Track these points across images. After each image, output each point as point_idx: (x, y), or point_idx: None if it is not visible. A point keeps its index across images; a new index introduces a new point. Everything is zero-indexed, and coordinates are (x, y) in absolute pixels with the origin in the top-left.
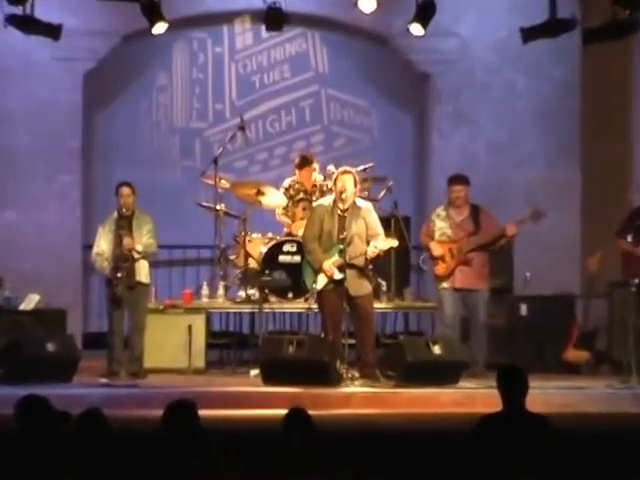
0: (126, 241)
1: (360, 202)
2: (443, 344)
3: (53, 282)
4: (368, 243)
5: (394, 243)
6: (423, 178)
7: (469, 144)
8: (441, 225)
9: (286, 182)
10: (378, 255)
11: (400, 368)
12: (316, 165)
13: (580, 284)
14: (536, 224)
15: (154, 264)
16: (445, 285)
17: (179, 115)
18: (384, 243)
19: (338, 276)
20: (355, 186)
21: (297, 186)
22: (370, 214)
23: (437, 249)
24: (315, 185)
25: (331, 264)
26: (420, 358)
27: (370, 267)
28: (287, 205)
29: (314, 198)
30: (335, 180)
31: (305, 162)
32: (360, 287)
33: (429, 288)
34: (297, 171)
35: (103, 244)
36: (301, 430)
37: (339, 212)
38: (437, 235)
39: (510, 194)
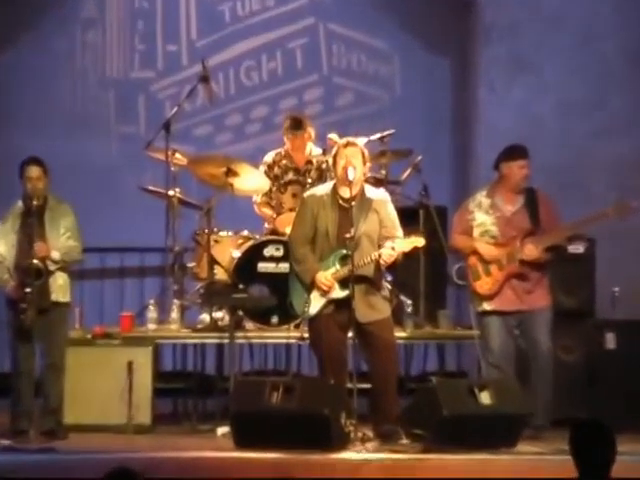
0: (38, 246)
1: (371, 190)
2: (494, 390)
3: None
4: (380, 248)
5: (420, 242)
6: (466, 151)
7: (531, 102)
8: (483, 219)
9: (269, 156)
10: (395, 261)
11: (433, 425)
12: (312, 131)
13: None
14: (623, 220)
15: (78, 276)
16: (489, 307)
17: (115, 61)
18: (405, 243)
19: (340, 293)
20: (364, 164)
21: (285, 162)
22: (386, 207)
23: (489, 249)
24: (310, 161)
25: (329, 276)
26: (461, 411)
27: (388, 279)
28: (270, 190)
29: (309, 180)
30: (335, 156)
31: (297, 126)
32: (372, 309)
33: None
34: (285, 140)
35: (2, 248)
36: None
37: (341, 202)
38: (477, 233)
39: (589, 173)
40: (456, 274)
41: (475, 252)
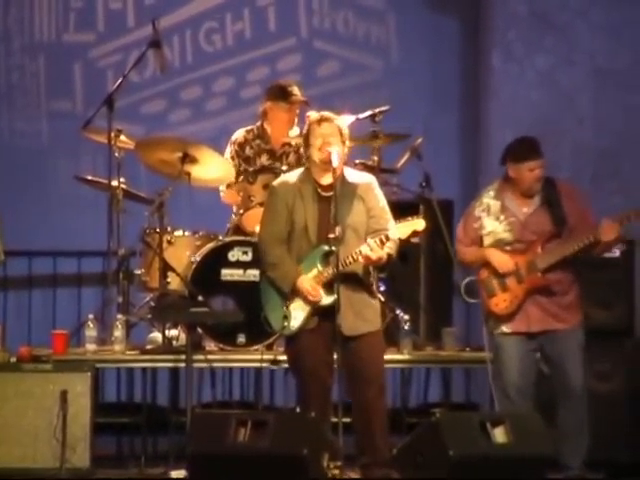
0: None
1: (354, 174)
2: (512, 426)
3: None
4: None
5: (419, 225)
6: (477, 133)
7: (559, 72)
8: (494, 226)
9: (239, 133)
10: (387, 261)
11: (436, 468)
12: (298, 99)
13: None
14: None
15: None
16: (508, 329)
17: (44, 21)
18: (402, 227)
19: (326, 300)
20: (344, 144)
21: (258, 142)
22: (373, 193)
23: (504, 261)
24: (288, 143)
25: (313, 280)
26: (471, 451)
27: (381, 289)
28: (237, 179)
29: (283, 167)
30: (308, 136)
31: (281, 96)
32: (360, 319)
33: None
34: (272, 112)
35: None
36: None
37: (320, 191)
38: (487, 244)
39: (631, 159)
40: (465, 290)
41: (487, 264)
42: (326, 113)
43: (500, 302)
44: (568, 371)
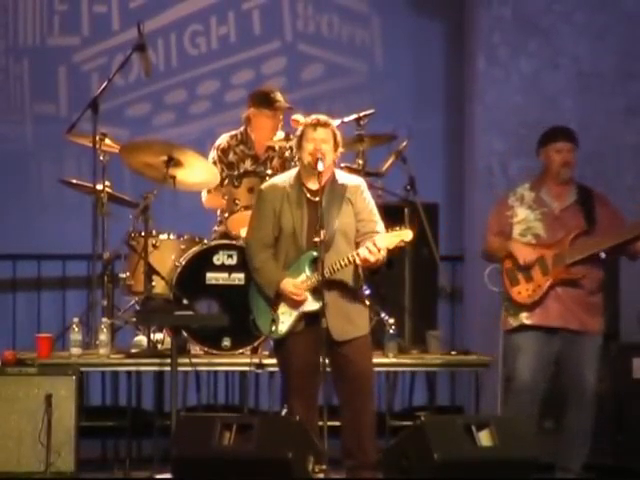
0: None
1: (343, 176)
2: (496, 429)
3: None
4: (357, 247)
5: (407, 235)
6: (462, 136)
7: (544, 76)
8: (525, 214)
9: (223, 139)
10: (380, 263)
11: (421, 471)
12: (282, 105)
13: None
14: None
15: None
16: (528, 321)
17: (29, 24)
18: (389, 237)
19: (314, 305)
20: (335, 150)
21: (242, 147)
22: (362, 196)
23: (527, 252)
24: (272, 148)
25: (299, 285)
26: (456, 454)
27: (366, 292)
28: (221, 184)
29: (268, 172)
30: (300, 139)
31: (265, 103)
32: (350, 324)
33: (472, 330)
34: (255, 118)
35: None
36: None
37: (309, 195)
38: (517, 232)
39: (614, 162)
40: (488, 279)
41: (511, 255)
42: (323, 117)
43: (523, 291)
44: (584, 375)
